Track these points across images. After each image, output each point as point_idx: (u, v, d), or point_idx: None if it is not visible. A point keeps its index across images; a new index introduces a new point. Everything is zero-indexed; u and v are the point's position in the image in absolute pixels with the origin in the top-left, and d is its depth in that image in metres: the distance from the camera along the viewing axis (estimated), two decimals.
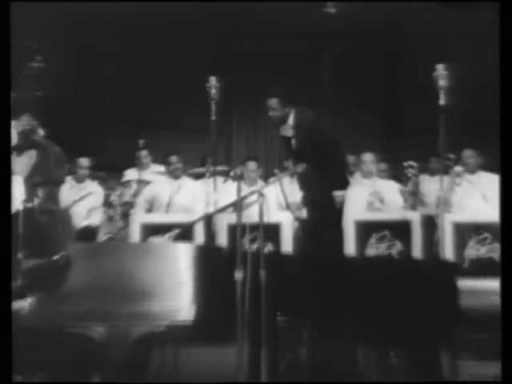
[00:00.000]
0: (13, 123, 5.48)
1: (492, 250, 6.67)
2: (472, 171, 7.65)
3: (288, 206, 7.53)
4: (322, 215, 6.81)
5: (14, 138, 5.32)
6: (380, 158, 8.25)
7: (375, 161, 8.02)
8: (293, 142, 6.88)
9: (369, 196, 7.74)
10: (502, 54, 4.74)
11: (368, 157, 7.98)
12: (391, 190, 7.82)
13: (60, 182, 6.30)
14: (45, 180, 5.22)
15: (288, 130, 6.88)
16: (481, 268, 6.56)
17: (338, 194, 6.75)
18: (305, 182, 7.00)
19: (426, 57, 7.03)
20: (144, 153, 8.54)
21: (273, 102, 6.77)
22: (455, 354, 5.63)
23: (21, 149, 5.24)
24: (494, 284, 6.21)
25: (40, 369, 5.14)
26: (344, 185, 6.87)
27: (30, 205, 4.85)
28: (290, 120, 6.83)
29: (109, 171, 8.56)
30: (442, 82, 6.61)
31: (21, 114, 5.63)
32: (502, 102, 4.76)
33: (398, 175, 8.08)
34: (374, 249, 6.85)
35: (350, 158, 8.47)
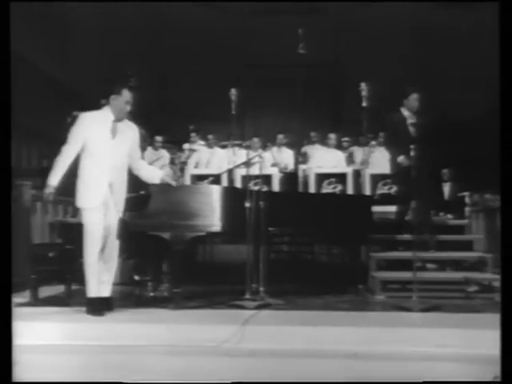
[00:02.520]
0: None
1: (390, 189, 6.62)
2: (381, 144, 7.47)
3: (276, 164, 7.53)
4: None
5: None
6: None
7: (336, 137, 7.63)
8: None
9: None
10: (501, 53, 3.31)
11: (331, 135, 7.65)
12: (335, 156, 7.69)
13: (144, 149, 6.32)
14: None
15: None
16: (384, 199, 6.52)
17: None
18: None
19: (355, 78, 6.90)
20: (193, 134, 8.50)
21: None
22: (370, 248, 5.69)
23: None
24: (389, 208, 6.23)
25: (133, 256, 5.19)
26: None
27: None
28: None
29: (173, 144, 8.54)
30: (363, 93, 6.57)
31: None
32: (502, 102, 3.28)
33: (339, 145, 7.96)
34: (325, 189, 6.85)
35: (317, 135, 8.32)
